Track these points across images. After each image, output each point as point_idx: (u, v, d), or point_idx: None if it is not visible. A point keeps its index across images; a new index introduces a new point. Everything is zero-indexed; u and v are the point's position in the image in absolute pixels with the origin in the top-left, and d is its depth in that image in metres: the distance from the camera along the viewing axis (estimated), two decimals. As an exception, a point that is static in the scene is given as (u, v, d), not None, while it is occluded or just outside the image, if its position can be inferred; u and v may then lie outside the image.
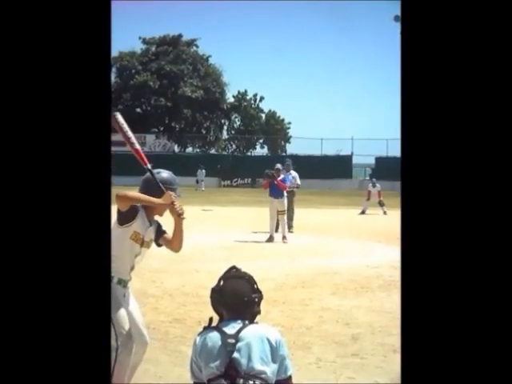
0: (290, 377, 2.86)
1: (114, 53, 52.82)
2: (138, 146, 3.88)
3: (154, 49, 55.57)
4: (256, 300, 2.96)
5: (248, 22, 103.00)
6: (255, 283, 2.99)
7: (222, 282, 2.99)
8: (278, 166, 13.95)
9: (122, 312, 3.71)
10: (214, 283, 2.99)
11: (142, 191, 3.88)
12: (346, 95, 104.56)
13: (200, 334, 2.92)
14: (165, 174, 3.95)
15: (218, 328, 2.87)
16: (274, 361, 2.78)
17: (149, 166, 3.82)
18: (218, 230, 14.77)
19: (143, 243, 3.86)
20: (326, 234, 14.01)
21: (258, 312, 2.99)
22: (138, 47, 55.82)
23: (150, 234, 3.90)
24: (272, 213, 13.25)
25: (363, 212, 21.30)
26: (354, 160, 48.89)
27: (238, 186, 44.01)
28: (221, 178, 45.74)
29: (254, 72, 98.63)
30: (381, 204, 21.34)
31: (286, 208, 13.32)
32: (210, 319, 2.95)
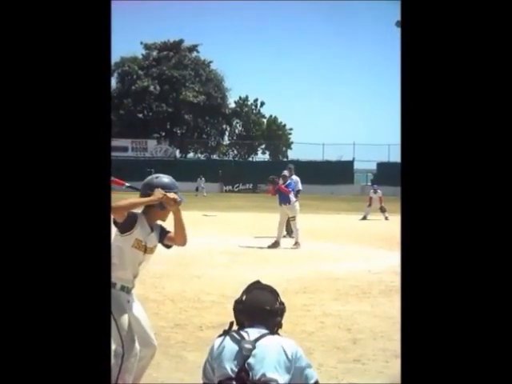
0: (316, 382, 2.96)
1: (116, 58, 53.02)
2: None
3: (155, 54, 55.69)
4: (278, 311, 3.03)
5: (248, 25, 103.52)
6: (278, 295, 3.08)
7: (245, 294, 3.06)
8: (285, 172, 13.97)
9: (126, 318, 3.71)
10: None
11: (143, 195, 3.92)
12: (347, 100, 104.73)
13: (219, 336, 2.97)
14: (165, 178, 3.97)
15: (237, 333, 2.93)
16: (287, 372, 2.82)
17: (126, 185, 3.95)
18: (220, 235, 14.76)
19: (146, 250, 3.85)
20: (327, 240, 13.99)
21: (280, 324, 3.06)
22: (140, 52, 56.02)
23: (153, 240, 3.89)
24: (281, 219, 13.23)
25: (365, 218, 21.29)
26: (356, 165, 49.08)
27: (239, 192, 44.05)
28: (222, 183, 45.79)
29: (255, 77, 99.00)
30: (382, 210, 21.32)
31: (295, 214, 13.19)
32: (231, 323, 3.01)
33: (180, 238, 3.94)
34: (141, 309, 3.96)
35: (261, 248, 12.52)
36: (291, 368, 2.83)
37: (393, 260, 9.74)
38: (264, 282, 3.18)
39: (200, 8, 76.22)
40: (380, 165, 47.03)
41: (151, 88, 51.86)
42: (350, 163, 48.47)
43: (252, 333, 2.90)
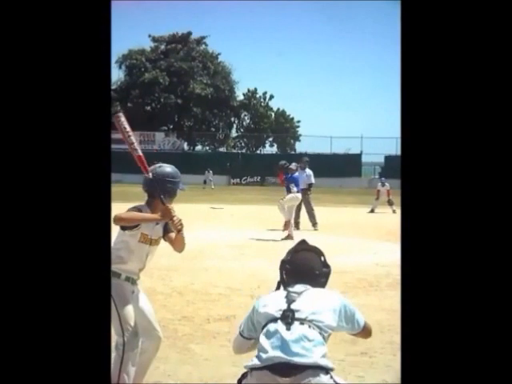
0: (365, 325, 3.03)
1: (124, 50, 53.05)
2: (140, 153, 3.81)
3: (163, 46, 55.64)
4: (325, 274, 3.14)
5: (256, 20, 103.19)
6: (324, 256, 3.20)
7: (292, 254, 3.17)
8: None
9: (129, 308, 3.71)
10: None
11: (146, 189, 3.93)
12: (355, 93, 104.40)
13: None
14: (168, 168, 3.97)
15: (284, 288, 3.04)
16: (334, 315, 2.88)
17: (150, 176, 3.81)
18: (227, 227, 14.78)
19: (151, 242, 3.87)
20: (335, 233, 13.97)
21: (324, 286, 3.13)
22: (148, 45, 55.97)
23: (158, 231, 3.90)
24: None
25: (372, 211, 21.27)
26: (364, 158, 48.98)
27: (247, 185, 44.05)
28: (230, 176, 45.80)
29: (263, 70, 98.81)
30: (390, 203, 21.27)
31: (292, 202, 13.28)
32: (278, 284, 3.11)
33: (177, 248, 3.98)
34: (146, 300, 3.96)
35: (268, 241, 12.51)
36: (338, 313, 2.91)
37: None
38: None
39: (210, 3, 75.97)
40: (388, 158, 46.87)
41: (159, 80, 51.79)
42: (358, 156, 48.38)
43: (298, 287, 2.98)
